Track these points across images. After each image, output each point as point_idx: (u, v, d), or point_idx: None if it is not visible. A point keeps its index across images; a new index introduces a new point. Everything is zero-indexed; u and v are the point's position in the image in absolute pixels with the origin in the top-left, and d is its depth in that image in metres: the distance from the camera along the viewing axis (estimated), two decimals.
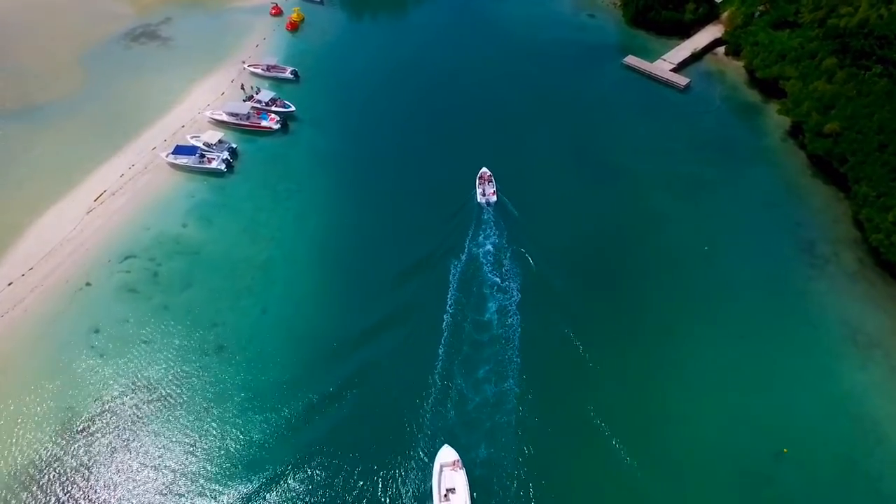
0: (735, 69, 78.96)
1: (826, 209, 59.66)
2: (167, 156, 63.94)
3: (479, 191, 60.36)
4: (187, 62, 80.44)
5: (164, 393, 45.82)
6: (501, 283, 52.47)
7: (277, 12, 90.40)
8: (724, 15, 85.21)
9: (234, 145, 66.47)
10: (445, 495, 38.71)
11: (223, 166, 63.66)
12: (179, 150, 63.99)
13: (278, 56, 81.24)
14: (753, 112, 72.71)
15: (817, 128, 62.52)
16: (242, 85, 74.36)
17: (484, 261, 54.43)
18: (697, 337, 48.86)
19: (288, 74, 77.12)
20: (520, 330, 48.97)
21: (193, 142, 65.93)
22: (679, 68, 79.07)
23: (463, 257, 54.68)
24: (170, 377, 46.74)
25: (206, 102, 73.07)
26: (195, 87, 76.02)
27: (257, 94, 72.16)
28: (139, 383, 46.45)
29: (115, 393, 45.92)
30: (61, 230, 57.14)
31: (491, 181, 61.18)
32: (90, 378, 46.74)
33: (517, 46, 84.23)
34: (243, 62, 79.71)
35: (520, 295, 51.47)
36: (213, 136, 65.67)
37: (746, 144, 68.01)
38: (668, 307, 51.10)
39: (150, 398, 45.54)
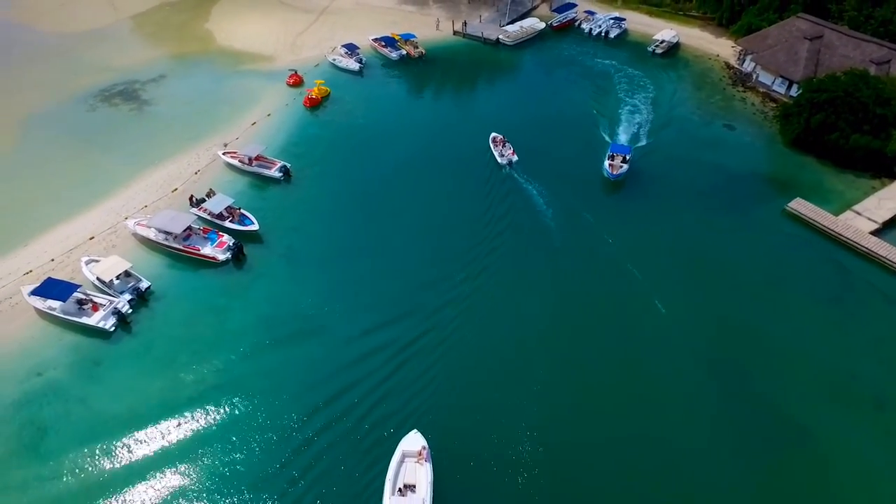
0: None
1: None
2: (29, 294, 39.49)
3: (496, 153, 56.14)
4: (153, 138, 58.14)
5: None
6: None
7: (296, 82, 67.98)
8: None
9: (145, 284, 41.23)
10: (401, 490, 29.64)
11: (109, 323, 38.41)
12: (49, 287, 38.94)
13: (277, 142, 57.73)
14: None
15: None
16: (210, 191, 49.91)
17: None
18: None
19: (274, 172, 52.59)
20: None
21: (85, 271, 41.59)
22: (884, 228, 48.79)
23: None
24: None
25: (143, 203, 49.48)
26: (142, 177, 52.85)
27: (209, 197, 47.96)
28: None
29: None
30: None
31: (505, 143, 57.03)
32: None
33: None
34: (225, 145, 56.73)
35: None
36: (115, 267, 40.66)
37: None
38: None
39: None
